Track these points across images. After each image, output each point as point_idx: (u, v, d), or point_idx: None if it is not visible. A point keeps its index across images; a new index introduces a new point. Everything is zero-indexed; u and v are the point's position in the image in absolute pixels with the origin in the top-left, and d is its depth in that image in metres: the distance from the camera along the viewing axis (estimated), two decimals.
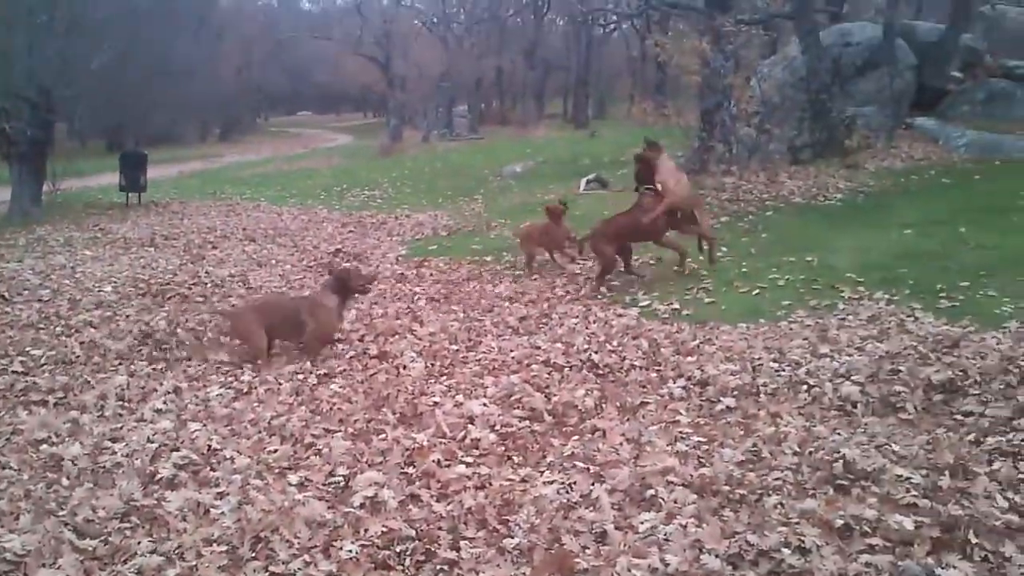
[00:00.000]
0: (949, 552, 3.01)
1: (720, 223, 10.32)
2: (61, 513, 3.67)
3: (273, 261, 10.62)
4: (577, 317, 6.96)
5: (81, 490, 3.94)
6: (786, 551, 3.03)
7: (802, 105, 14.06)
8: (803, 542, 3.07)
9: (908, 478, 3.58)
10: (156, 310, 7.87)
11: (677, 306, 7.20)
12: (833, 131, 13.59)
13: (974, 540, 3.04)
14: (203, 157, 34.34)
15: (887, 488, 3.51)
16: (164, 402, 5.32)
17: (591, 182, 15.15)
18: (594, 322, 6.77)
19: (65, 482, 4.09)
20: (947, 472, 3.62)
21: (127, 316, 7.67)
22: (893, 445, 4.01)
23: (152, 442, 4.54)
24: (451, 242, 11.57)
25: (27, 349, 6.62)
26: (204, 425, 4.87)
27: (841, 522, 3.22)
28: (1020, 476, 3.58)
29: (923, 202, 9.95)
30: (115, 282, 9.25)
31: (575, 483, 3.81)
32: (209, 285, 9.07)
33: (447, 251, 10.77)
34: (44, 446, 4.60)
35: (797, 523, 3.24)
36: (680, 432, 4.36)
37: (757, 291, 7.44)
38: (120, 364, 6.31)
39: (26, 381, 5.85)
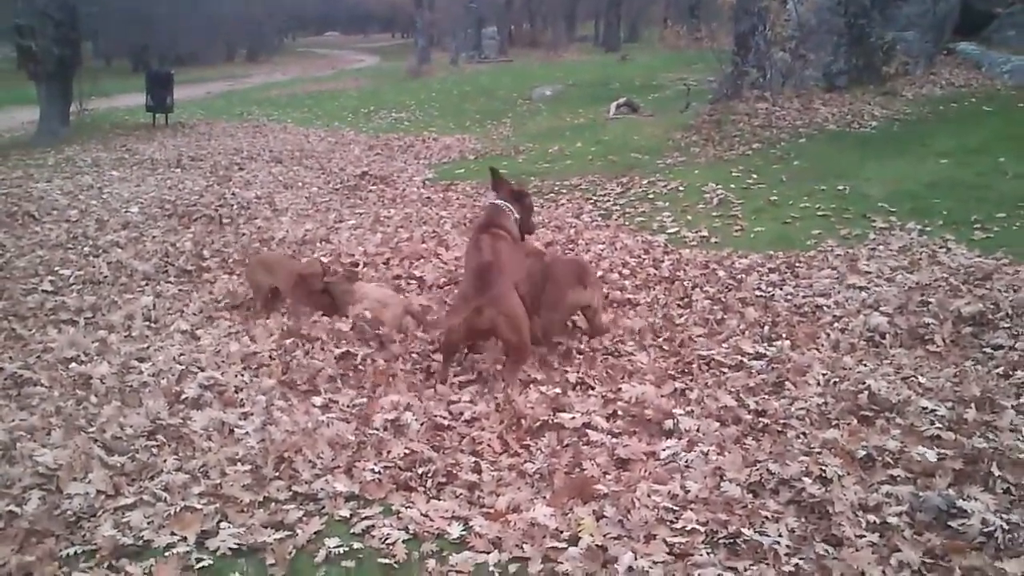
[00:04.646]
0: (971, 484, 2.99)
1: (752, 150, 10.15)
2: (90, 430, 3.72)
3: (300, 183, 10.60)
4: (604, 243, 6.91)
5: (109, 408, 3.99)
6: (807, 480, 3.02)
7: (839, 29, 13.62)
8: (824, 472, 3.06)
9: (933, 410, 3.56)
10: (182, 231, 7.90)
11: (705, 233, 7.12)
12: (871, 57, 13.18)
13: (997, 472, 3.01)
14: (230, 77, 34.18)
15: (911, 420, 3.49)
16: (190, 323, 5.37)
17: (621, 107, 14.92)
18: (620, 248, 6.72)
19: (94, 400, 4.15)
20: (973, 405, 3.58)
21: (153, 237, 7.71)
22: (919, 377, 3.97)
23: (178, 362, 4.59)
24: (478, 166, 11.46)
25: (56, 269, 6.69)
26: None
27: (863, 453, 3.21)
28: None
29: (961, 130, 9.69)
30: (142, 203, 9.29)
31: (595, 410, 3.81)
32: (235, 207, 9.08)
33: (474, 175, 10.69)
34: (73, 364, 4.67)
35: (819, 453, 3.23)
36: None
37: (787, 219, 7.33)
38: (147, 285, 6.36)
39: (55, 300, 5.93)
